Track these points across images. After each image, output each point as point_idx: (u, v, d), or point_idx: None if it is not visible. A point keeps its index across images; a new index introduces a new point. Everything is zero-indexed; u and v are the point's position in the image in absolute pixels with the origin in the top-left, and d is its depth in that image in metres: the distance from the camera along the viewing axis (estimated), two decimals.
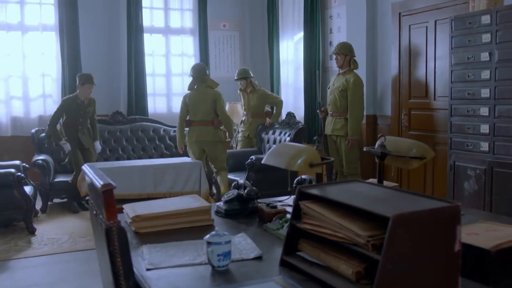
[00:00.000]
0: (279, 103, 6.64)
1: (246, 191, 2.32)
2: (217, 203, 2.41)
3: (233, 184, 2.47)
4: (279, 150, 1.80)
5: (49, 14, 6.91)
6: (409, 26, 5.29)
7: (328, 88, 5.64)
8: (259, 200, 2.37)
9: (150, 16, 7.59)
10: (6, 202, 4.79)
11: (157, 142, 7.03)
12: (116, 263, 1.48)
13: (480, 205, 3.95)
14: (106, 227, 1.46)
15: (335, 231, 1.44)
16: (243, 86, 6.57)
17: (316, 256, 1.54)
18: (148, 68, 7.51)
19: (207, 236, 1.63)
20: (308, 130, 6.81)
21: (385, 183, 2.72)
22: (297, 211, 1.63)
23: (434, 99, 5.04)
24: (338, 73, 5.49)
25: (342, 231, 1.42)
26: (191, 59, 7.83)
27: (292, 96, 7.51)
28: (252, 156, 5.73)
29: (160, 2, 7.62)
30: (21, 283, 3.68)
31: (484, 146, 3.93)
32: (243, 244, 1.87)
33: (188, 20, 7.80)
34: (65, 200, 6.02)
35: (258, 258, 1.75)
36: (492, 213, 2.84)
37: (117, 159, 6.64)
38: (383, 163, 1.94)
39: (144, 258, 1.74)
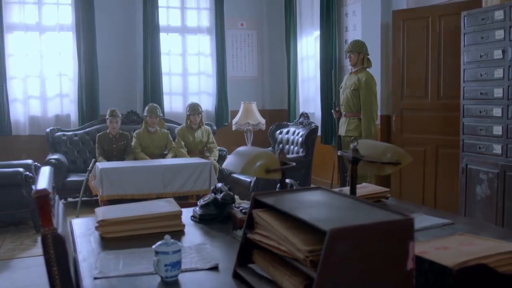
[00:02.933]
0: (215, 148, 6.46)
1: (221, 195, 2.22)
2: (194, 207, 2.32)
3: (211, 188, 2.38)
4: (238, 153, 1.70)
5: (66, 15, 6.97)
6: None
7: (341, 87, 5.48)
8: (241, 205, 2.27)
9: (167, 15, 7.57)
10: (14, 201, 4.83)
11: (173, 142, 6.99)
12: (52, 272, 1.40)
13: (492, 210, 3.74)
14: (41, 234, 1.39)
15: (280, 244, 1.33)
16: (195, 121, 6.33)
17: (266, 269, 1.44)
18: (164, 67, 7.50)
19: (155, 245, 1.55)
20: (325, 130, 6.66)
21: (375, 188, 2.58)
22: (251, 220, 1.52)
23: (438, 99, 4.83)
24: (350, 72, 5.32)
25: (285, 243, 1.30)
26: (207, 58, 7.79)
27: (313, 93, 7.35)
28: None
29: (176, 1, 7.59)
30: (18, 283, 3.68)
31: (497, 148, 3.73)
32: (203, 253, 1.77)
33: (205, 19, 7.75)
34: (77, 199, 6.06)
35: (214, 269, 1.65)
36: (486, 222, 2.65)
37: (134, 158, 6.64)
38: (356, 168, 1.81)
39: (96, 266, 1.67)
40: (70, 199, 6.30)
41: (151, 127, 6.27)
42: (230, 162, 1.71)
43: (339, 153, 1.89)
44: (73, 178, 6.03)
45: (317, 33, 6.97)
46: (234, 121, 7.10)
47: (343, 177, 5.73)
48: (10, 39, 6.75)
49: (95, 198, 5.70)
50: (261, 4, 8.03)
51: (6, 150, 6.61)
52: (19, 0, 6.78)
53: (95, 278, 1.57)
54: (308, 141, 5.84)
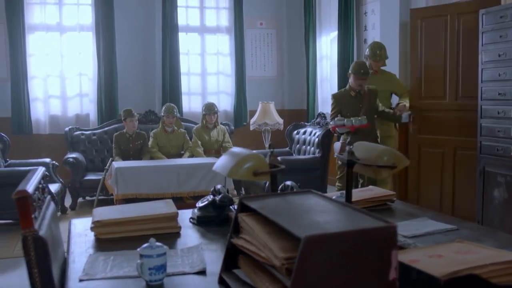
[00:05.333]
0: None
1: (219, 197, 2.19)
2: (193, 209, 2.29)
3: (211, 190, 2.34)
4: (229, 155, 1.66)
5: (86, 15, 7.04)
6: None
7: None
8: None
9: (186, 15, 7.59)
10: None
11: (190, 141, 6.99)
12: (32, 274, 1.39)
13: (510, 214, 3.62)
14: (22, 236, 1.38)
15: (260, 250, 1.29)
16: (211, 121, 6.32)
17: (249, 275, 1.39)
18: (183, 67, 7.51)
19: (139, 248, 1.52)
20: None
21: (381, 190, 2.51)
22: (237, 224, 1.48)
23: (456, 99, 4.67)
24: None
25: (265, 249, 1.26)
26: (226, 58, 7.77)
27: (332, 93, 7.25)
28: (277, 158, 5.54)
29: (195, 0, 7.60)
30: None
31: None
32: (193, 257, 1.74)
33: (224, 18, 7.74)
34: (94, 198, 6.10)
35: (202, 273, 1.61)
36: (492, 229, 2.53)
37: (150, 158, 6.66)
38: (351, 171, 1.75)
39: (84, 267, 1.65)
40: (88, 198, 6.36)
41: (168, 127, 6.29)
42: (219, 164, 1.67)
43: (335, 155, 1.83)
44: (90, 177, 6.09)
45: (336, 32, 6.88)
46: (251, 121, 7.07)
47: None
48: (32, 39, 6.85)
49: (111, 197, 5.73)
50: (280, 3, 7.97)
51: (27, 148, 6.71)
52: (40, 1, 6.88)
53: (80, 280, 1.55)
54: (324, 142, 5.75)
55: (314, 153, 5.89)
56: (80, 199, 6.23)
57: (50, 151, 6.63)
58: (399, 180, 5.57)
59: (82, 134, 6.63)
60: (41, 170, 1.74)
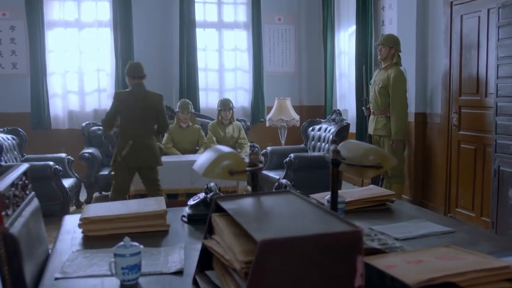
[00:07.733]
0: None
1: (210, 195, 2.16)
2: (185, 207, 2.27)
3: (205, 187, 2.31)
4: (209, 152, 1.62)
5: (105, 11, 7.08)
6: (461, 16, 4.80)
7: (370, 84, 5.27)
8: None
9: (203, 11, 7.56)
10: (43, 194, 4.86)
11: (205, 137, 6.98)
12: (3, 271, 1.38)
13: None
14: None
15: (225, 252, 1.25)
16: (226, 117, 6.30)
17: (220, 277, 1.36)
18: (201, 63, 7.49)
19: (114, 247, 1.50)
20: (360, 128, 6.45)
21: (381, 190, 2.44)
22: (211, 225, 1.45)
23: (486, 96, 4.52)
24: (380, 68, 5.11)
25: (229, 252, 1.22)
26: (244, 54, 7.72)
27: (350, 89, 7.13)
28: (291, 154, 5.47)
29: None
30: None
31: None
32: (173, 256, 1.71)
33: (241, 14, 7.68)
34: (109, 192, 6.14)
35: (179, 273, 1.58)
36: (490, 233, 2.42)
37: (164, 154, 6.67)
38: (337, 170, 1.69)
39: (62, 266, 1.64)
40: (103, 192, 6.42)
41: (183, 123, 6.28)
42: (199, 163, 1.63)
43: (322, 154, 1.77)
44: (106, 172, 6.11)
45: (353, 28, 6.76)
46: (267, 117, 7.01)
47: (377, 179, 5.51)
48: (50, 36, 6.92)
49: None
50: None
51: (46, 143, 6.81)
52: None
53: (56, 279, 1.54)
54: (340, 138, 5.64)
55: (328, 150, 5.79)
56: (96, 194, 6.29)
57: (69, 146, 6.71)
58: (418, 177, 5.47)
59: (99, 129, 6.67)
60: (22, 167, 1.73)
